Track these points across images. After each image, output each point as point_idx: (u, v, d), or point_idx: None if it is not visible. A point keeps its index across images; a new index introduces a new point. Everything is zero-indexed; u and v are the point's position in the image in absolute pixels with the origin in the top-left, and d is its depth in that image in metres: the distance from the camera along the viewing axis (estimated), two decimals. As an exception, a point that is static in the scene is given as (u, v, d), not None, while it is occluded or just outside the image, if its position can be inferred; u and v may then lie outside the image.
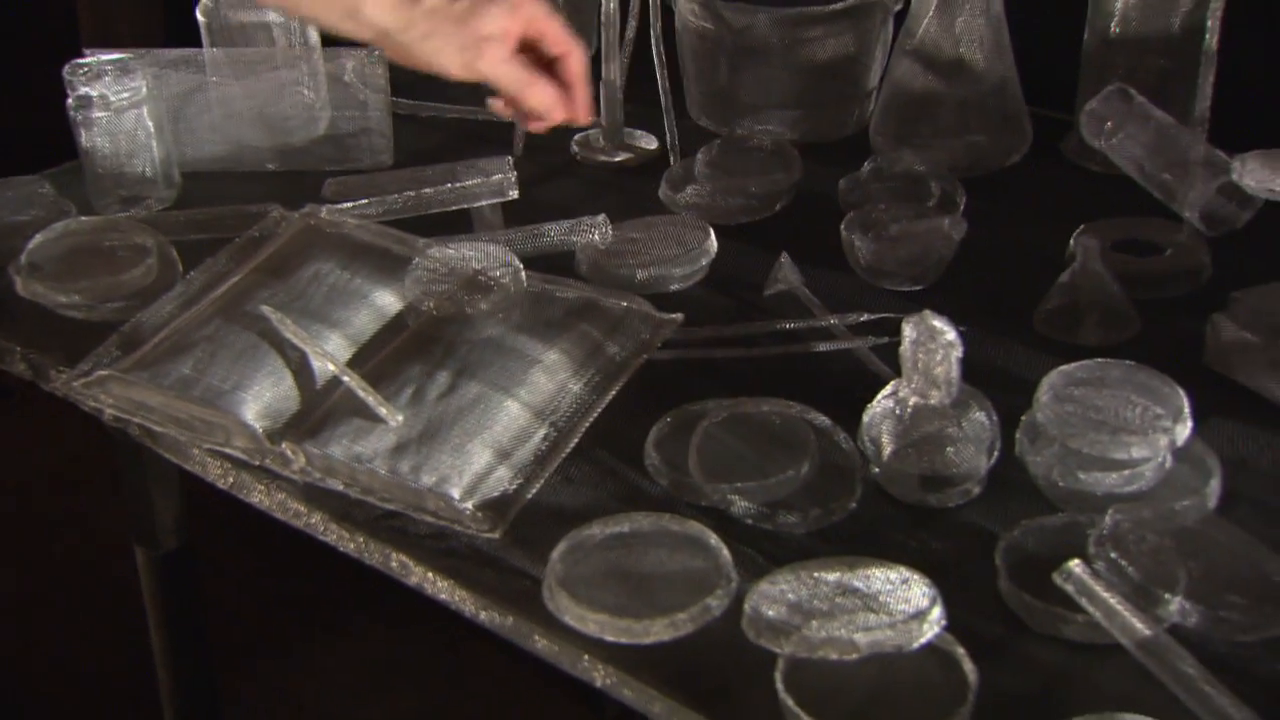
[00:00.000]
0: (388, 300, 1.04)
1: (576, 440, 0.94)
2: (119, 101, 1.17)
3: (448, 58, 0.98)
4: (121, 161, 1.19)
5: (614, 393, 0.97)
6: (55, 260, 1.09)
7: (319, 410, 0.94)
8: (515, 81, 0.99)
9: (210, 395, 0.94)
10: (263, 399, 0.94)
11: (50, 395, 1.04)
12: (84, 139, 1.18)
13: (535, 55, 1.01)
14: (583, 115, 1.03)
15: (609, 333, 1.02)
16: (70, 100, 1.17)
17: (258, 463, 0.93)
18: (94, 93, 1.16)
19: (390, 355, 0.99)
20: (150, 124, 1.19)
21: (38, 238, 1.09)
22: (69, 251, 1.10)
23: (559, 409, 0.95)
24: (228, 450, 0.94)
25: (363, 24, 0.99)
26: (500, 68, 0.98)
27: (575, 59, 1.01)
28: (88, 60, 1.17)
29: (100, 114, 1.17)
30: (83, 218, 1.15)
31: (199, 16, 1.27)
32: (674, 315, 1.04)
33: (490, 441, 0.92)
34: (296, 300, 1.02)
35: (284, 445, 0.92)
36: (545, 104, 1.00)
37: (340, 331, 1.00)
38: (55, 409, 1.17)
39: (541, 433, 0.94)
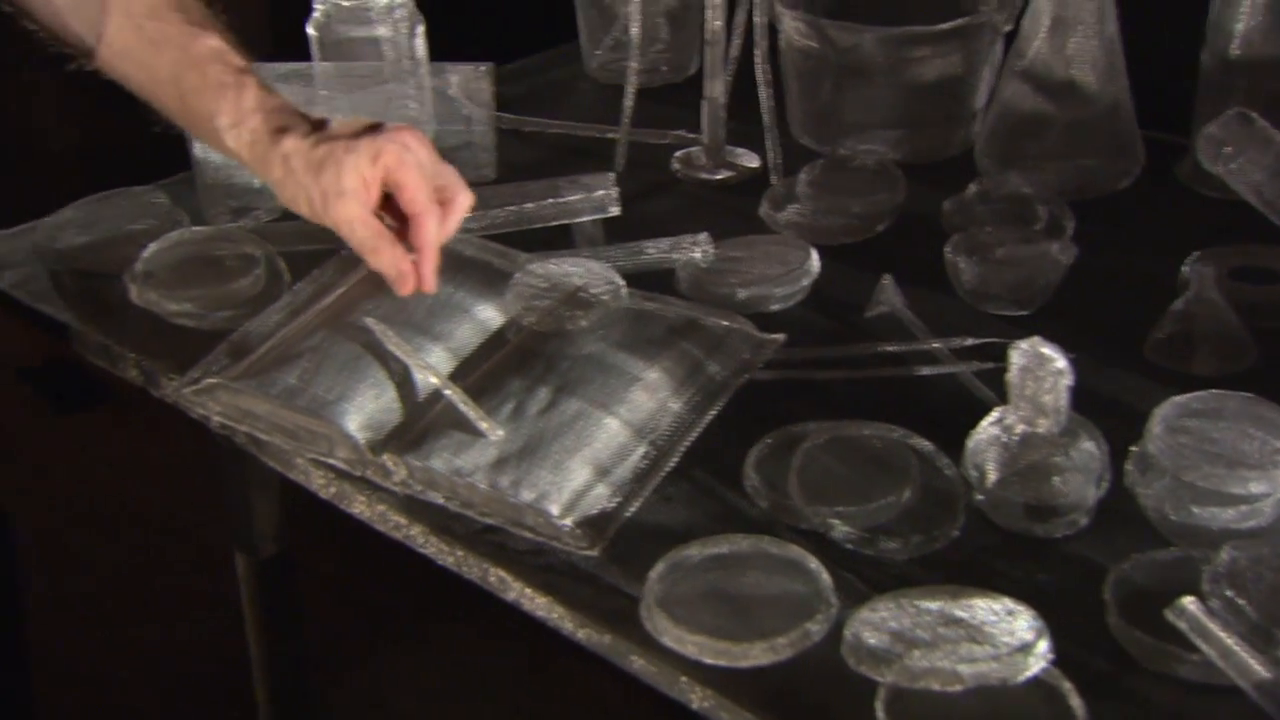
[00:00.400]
0: (489, 314, 1.05)
1: (676, 459, 0.93)
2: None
3: (301, 206, 0.94)
4: (232, 172, 1.21)
5: (714, 412, 0.97)
6: (168, 269, 1.11)
7: (421, 423, 0.95)
8: (361, 243, 0.93)
9: (315, 405, 0.95)
10: (366, 410, 0.95)
11: (149, 399, 1.06)
12: (197, 149, 1.21)
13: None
14: (427, 286, 0.96)
15: (710, 352, 1.01)
16: (185, 112, 1.19)
17: (359, 474, 0.94)
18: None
19: (491, 369, 1.00)
20: (261, 137, 1.21)
21: (152, 247, 1.12)
22: (181, 261, 1.12)
23: (659, 427, 0.95)
24: (330, 460, 0.95)
25: (231, 155, 0.97)
26: (346, 227, 0.92)
27: (427, 224, 0.93)
28: (204, 74, 1.19)
29: (214, 126, 1.19)
30: (194, 228, 1.17)
31: (310, 31, 1.29)
32: (776, 335, 1.03)
33: (590, 458, 0.91)
34: (400, 313, 1.02)
35: (385, 457, 0.93)
36: (390, 272, 0.94)
37: (442, 344, 1.01)
38: (155, 413, 1.19)
39: (641, 451, 0.93)
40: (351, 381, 0.96)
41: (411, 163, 0.93)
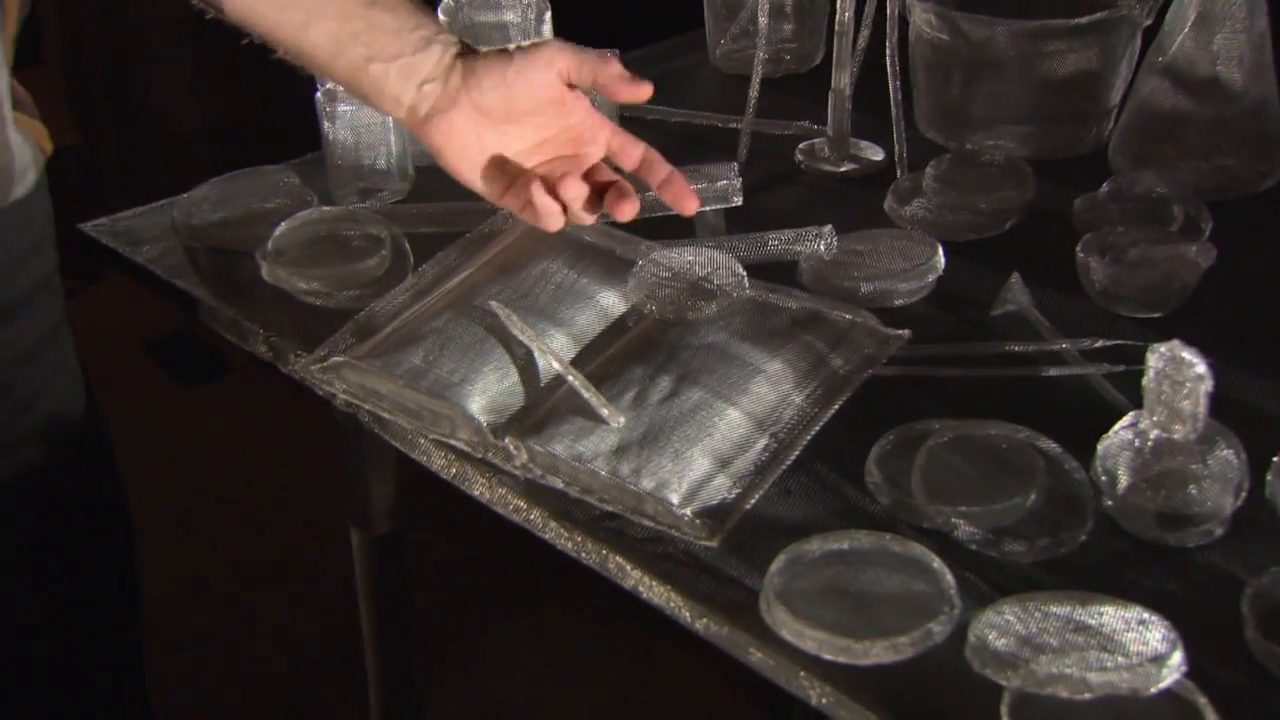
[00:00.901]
0: (611, 301, 1.05)
1: (797, 453, 0.92)
2: (363, 96, 1.20)
3: (557, 52, 0.95)
4: (361, 154, 1.23)
5: (836, 407, 0.96)
6: (297, 247, 1.13)
7: (543, 408, 0.96)
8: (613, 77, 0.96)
9: (439, 387, 0.96)
10: (489, 393, 0.96)
11: (271, 375, 1.07)
12: (328, 131, 1.23)
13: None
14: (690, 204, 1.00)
15: (833, 345, 1.00)
16: (319, 93, 1.21)
17: (480, 455, 0.95)
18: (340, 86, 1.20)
19: (613, 356, 1.00)
20: (389, 119, 1.23)
21: (282, 225, 1.14)
22: (310, 240, 1.14)
23: (780, 420, 0.94)
24: (452, 441, 0.96)
25: (426, 59, 0.95)
26: (597, 65, 0.96)
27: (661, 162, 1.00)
28: (337, 56, 1.21)
29: (345, 107, 1.21)
30: (324, 208, 1.19)
31: (440, 15, 1.30)
32: (901, 331, 1.02)
33: (710, 449, 0.91)
34: (524, 298, 1.03)
35: (507, 440, 0.93)
36: (624, 79, 0.97)
37: (565, 330, 1.01)
38: (276, 388, 1.21)
39: (762, 443, 0.93)
40: (475, 364, 0.97)
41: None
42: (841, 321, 1.03)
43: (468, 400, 0.95)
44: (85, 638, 1.14)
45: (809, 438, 0.93)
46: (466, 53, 0.96)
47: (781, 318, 1.03)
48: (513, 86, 0.95)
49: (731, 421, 0.93)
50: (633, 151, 1.00)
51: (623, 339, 1.02)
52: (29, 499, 1.06)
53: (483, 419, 0.94)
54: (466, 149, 0.96)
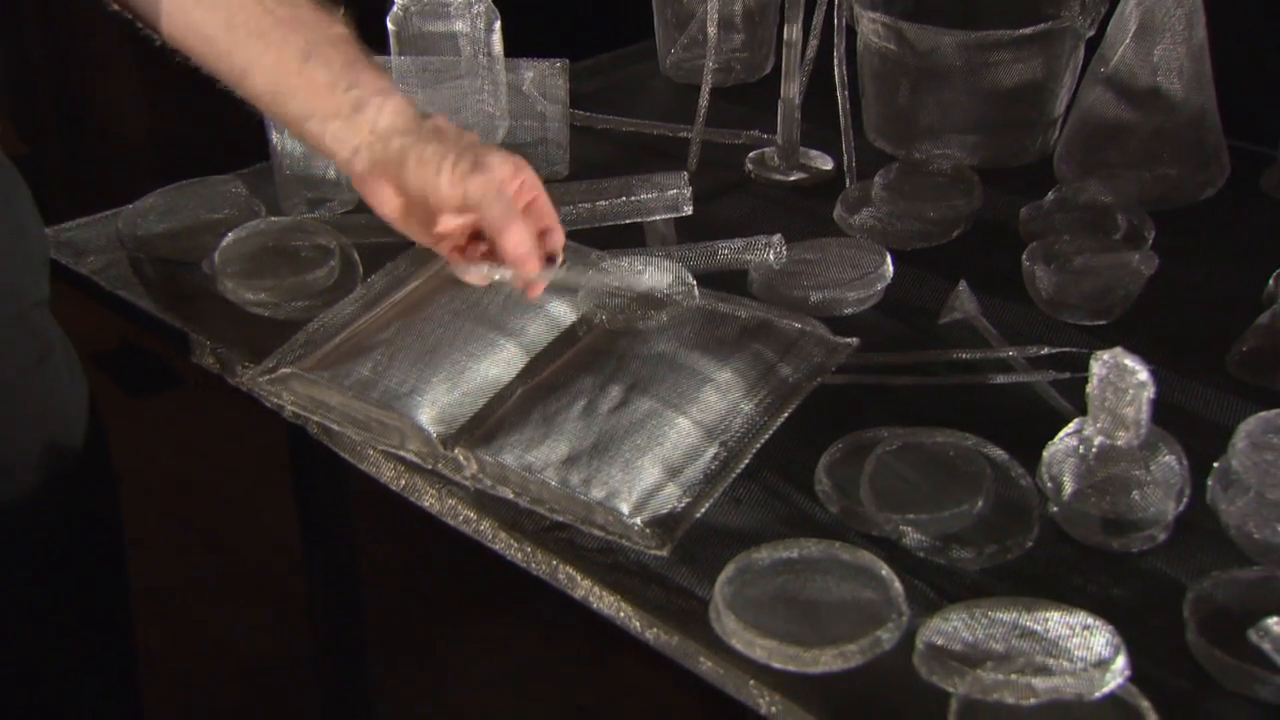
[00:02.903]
0: (561, 311, 1.05)
1: (747, 461, 0.93)
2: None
3: (445, 163, 0.94)
4: (309, 164, 1.22)
5: (786, 415, 0.96)
6: (245, 258, 1.12)
7: (492, 418, 0.95)
8: (503, 212, 0.94)
9: (388, 398, 0.95)
10: (438, 404, 0.96)
11: (219, 386, 1.07)
12: (276, 141, 1.22)
13: None
14: (535, 291, 0.99)
15: (783, 354, 1.01)
16: (265, 103, 1.20)
17: (430, 467, 0.94)
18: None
19: (563, 366, 1.00)
20: (338, 129, 1.22)
21: (230, 236, 1.13)
22: (258, 250, 1.14)
23: (730, 429, 0.95)
24: (402, 453, 0.96)
25: (357, 126, 0.96)
26: (493, 189, 0.94)
27: (558, 237, 0.98)
28: (284, 65, 1.20)
29: (292, 118, 1.20)
30: (271, 218, 1.18)
31: (389, 25, 1.30)
32: (849, 340, 1.02)
33: (661, 458, 0.91)
34: (473, 308, 1.03)
35: (457, 451, 0.93)
36: (520, 249, 0.95)
37: (515, 339, 1.01)
38: (224, 399, 1.20)
39: (712, 452, 0.93)
40: (424, 375, 0.97)
41: (539, 180, 0.98)
42: (790, 330, 1.03)
43: (417, 411, 0.95)
44: (81, 653, 1.14)
45: (758, 446, 0.94)
46: (402, 124, 0.96)
47: (731, 327, 1.03)
48: (429, 190, 0.95)
49: (681, 430, 0.93)
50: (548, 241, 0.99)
51: (573, 348, 1.02)
52: (33, 515, 1.05)
53: (432, 430, 0.94)
54: (392, 208, 0.97)
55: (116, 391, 2.42)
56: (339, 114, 0.96)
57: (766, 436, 0.95)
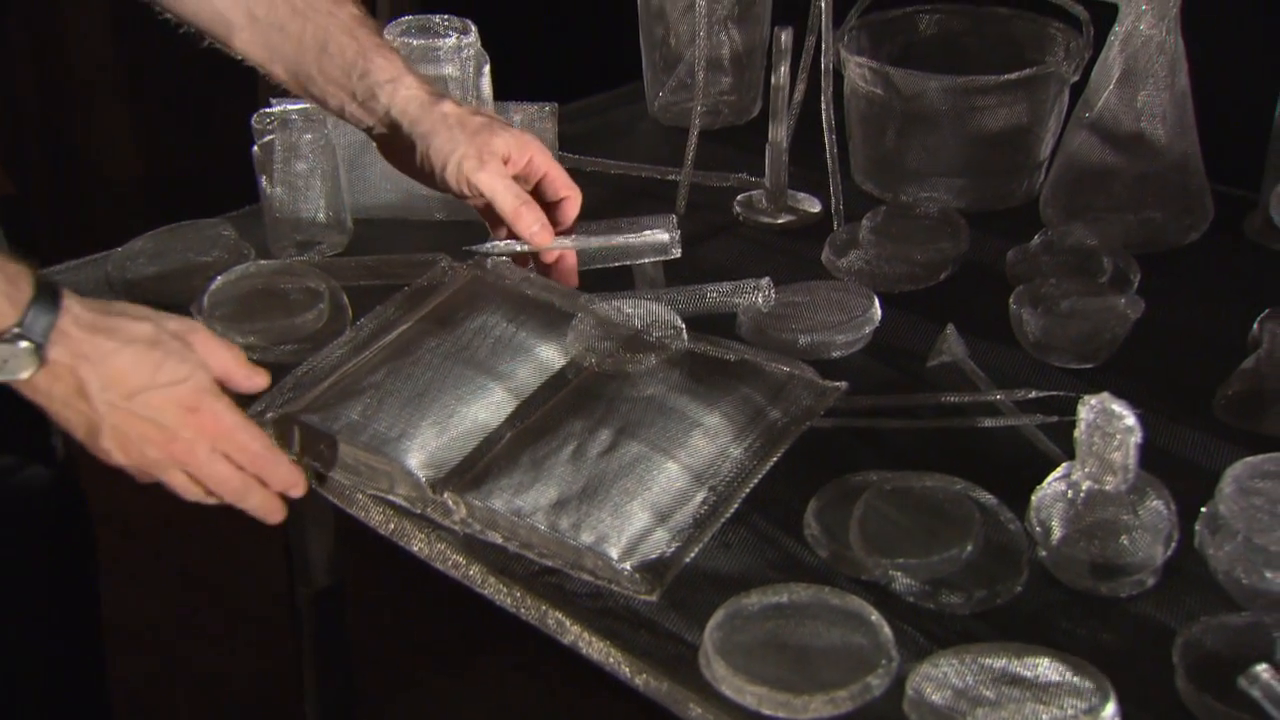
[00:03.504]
0: (550, 354, 1.05)
1: (736, 506, 0.93)
2: (301, 149, 1.20)
3: (451, 160, 1.03)
4: (299, 207, 1.23)
5: (775, 459, 0.96)
6: (234, 301, 1.12)
7: (481, 462, 0.95)
8: (514, 198, 1.05)
9: (376, 442, 0.95)
10: (427, 449, 0.95)
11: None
12: (265, 184, 1.22)
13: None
14: (570, 275, 1.11)
15: (772, 398, 1.01)
16: (256, 147, 1.21)
17: (420, 511, 0.94)
18: (279, 140, 1.20)
19: (552, 409, 1.00)
20: (328, 172, 1.23)
21: (219, 279, 1.13)
22: (247, 293, 1.14)
23: (719, 473, 0.95)
24: (390, 497, 0.96)
25: (372, 110, 1.05)
26: (500, 181, 1.04)
27: (574, 203, 1.08)
28: (275, 110, 1.21)
29: (282, 161, 1.20)
30: (260, 261, 1.18)
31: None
32: (838, 384, 1.03)
33: (650, 503, 0.91)
34: (463, 351, 1.03)
35: (446, 496, 0.93)
36: (533, 227, 1.06)
37: (504, 384, 1.01)
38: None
39: (701, 496, 0.93)
40: (414, 419, 0.97)
41: (549, 155, 1.07)
42: (779, 374, 1.03)
43: (406, 456, 0.94)
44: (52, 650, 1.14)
45: (747, 490, 0.94)
46: (412, 112, 1.04)
47: (719, 370, 1.03)
48: (438, 182, 1.06)
49: (670, 475, 0.93)
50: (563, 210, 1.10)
51: (561, 393, 1.02)
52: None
53: (421, 474, 0.94)
54: (415, 175, 1.08)
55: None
56: (354, 99, 1.05)
57: (756, 481, 0.95)
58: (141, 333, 0.88)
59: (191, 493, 0.93)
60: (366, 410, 0.98)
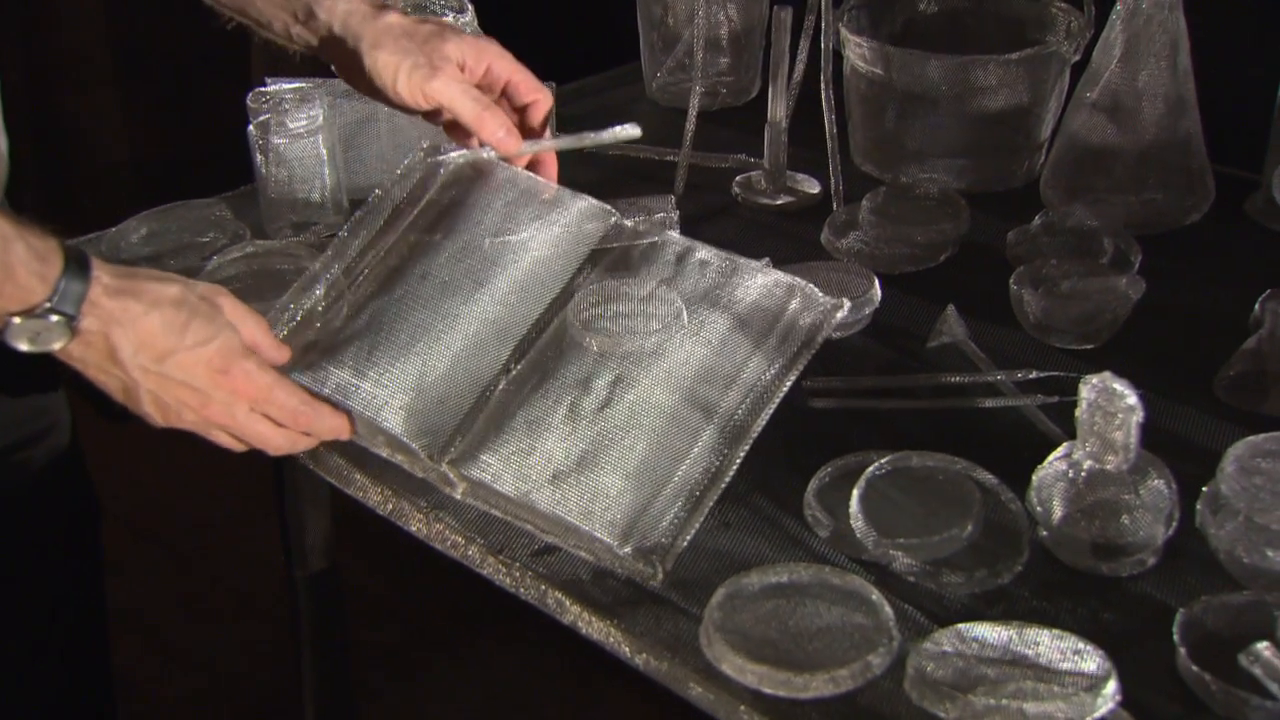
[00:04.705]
0: (546, 254, 0.99)
1: (746, 446, 0.88)
2: (297, 129, 1.20)
3: (401, 71, 0.97)
4: (295, 187, 1.22)
5: (790, 380, 0.91)
6: (230, 281, 1.12)
7: (476, 424, 0.92)
8: (474, 102, 0.98)
9: (371, 409, 0.91)
10: (421, 415, 0.91)
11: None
12: (261, 164, 1.21)
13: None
14: (550, 173, 1.03)
15: (773, 324, 0.95)
16: (251, 126, 1.20)
17: (420, 475, 0.93)
18: (274, 120, 1.19)
19: (545, 348, 0.95)
20: (324, 151, 1.22)
21: (215, 259, 1.12)
22: (243, 274, 1.13)
23: (727, 405, 0.90)
24: (385, 453, 0.94)
25: (314, 29, 0.99)
26: (456, 86, 0.97)
27: (543, 106, 1.01)
28: (270, 89, 1.21)
29: (278, 140, 1.20)
30: (256, 241, 1.18)
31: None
32: (838, 300, 0.95)
33: (651, 463, 0.88)
34: (451, 280, 0.96)
35: (445, 467, 0.91)
36: (496, 136, 0.98)
37: (495, 326, 0.95)
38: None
39: (706, 437, 0.89)
40: (405, 376, 0.92)
41: (511, 58, 1.00)
42: (779, 293, 0.97)
43: (400, 426, 0.90)
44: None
45: (762, 419, 0.89)
46: (354, 25, 0.99)
47: (720, 322, 0.98)
48: (391, 97, 0.99)
49: (669, 424, 0.89)
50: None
51: (554, 325, 0.96)
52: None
53: (417, 444, 0.90)
54: (374, 94, 1.02)
55: (97, 415, 2.41)
56: (295, 19, 1.00)
57: (774, 404, 0.89)
58: (169, 295, 0.87)
59: (239, 449, 0.92)
60: (358, 364, 0.93)
